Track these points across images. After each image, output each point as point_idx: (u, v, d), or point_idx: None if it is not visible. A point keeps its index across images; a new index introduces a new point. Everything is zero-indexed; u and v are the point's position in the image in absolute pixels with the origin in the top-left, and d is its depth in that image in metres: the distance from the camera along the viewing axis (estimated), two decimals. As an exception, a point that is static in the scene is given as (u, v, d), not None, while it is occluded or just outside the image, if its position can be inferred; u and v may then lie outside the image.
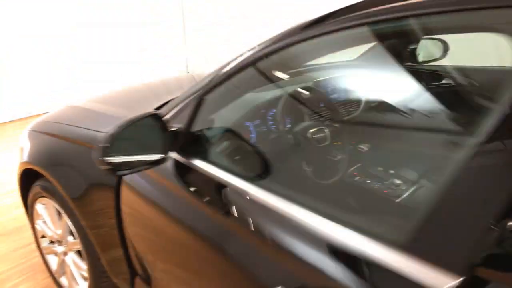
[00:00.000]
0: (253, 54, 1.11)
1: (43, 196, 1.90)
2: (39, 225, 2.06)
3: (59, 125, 1.86)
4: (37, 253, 2.43)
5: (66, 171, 1.66)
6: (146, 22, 6.99)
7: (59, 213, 1.87)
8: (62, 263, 2.01)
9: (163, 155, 1.16)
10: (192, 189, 1.15)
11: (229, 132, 1.38)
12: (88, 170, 1.57)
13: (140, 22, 6.92)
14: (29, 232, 2.67)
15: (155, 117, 1.14)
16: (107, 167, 1.08)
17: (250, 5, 6.24)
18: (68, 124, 1.81)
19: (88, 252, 1.73)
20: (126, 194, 1.40)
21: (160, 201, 1.25)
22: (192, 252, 1.14)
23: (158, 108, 1.68)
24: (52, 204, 1.86)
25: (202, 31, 7.12)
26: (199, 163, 1.17)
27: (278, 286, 0.82)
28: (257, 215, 0.93)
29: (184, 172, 1.20)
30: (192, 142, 1.24)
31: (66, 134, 1.74)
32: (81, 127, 1.73)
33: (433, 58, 1.84)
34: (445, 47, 1.77)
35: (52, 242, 2.06)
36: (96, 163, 1.08)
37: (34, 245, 2.54)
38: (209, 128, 1.32)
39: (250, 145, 1.41)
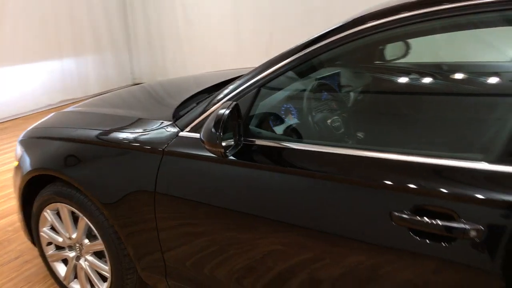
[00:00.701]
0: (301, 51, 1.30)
1: (55, 202, 1.92)
2: (45, 233, 2.05)
3: (66, 129, 1.90)
4: (30, 265, 2.40)
5: (91, 173, 1.71)
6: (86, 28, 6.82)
7: (74, 217, 1.90)
8: (73, 268, 2.03)
9: (241, 140, 1.32)
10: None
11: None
12: (117, 170, 1.65)
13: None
14: (15, 245, 2.61)
15: (236, 107, 1.28)
16: (222, 150, 1.24)
17: (197, 13, 6.36)
18: (75, 128, 1.87)
19: (112, 251, 1.79)
20: (165, 189, 1.51)
21: (219, 189, 1.39)
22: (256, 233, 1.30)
23: (179, 106, 1.81)
24: (67, 209, 1.89)
25: (149, 40, 7.10)
26: (269, 143, 1.34)
27: None
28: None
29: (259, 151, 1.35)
30: (257, 126, 1.42)
31: (81, 136, 1.79)
32: (95, 128, 1.79)
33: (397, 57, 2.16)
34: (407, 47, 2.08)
35: (59, 248, 2.07)
36: (211, 147, 1.24)
37: (25, 257, 2.49)
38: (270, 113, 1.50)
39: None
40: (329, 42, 1.25)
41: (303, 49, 1.31)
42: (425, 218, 1.04)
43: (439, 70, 1.79)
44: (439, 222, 1.02)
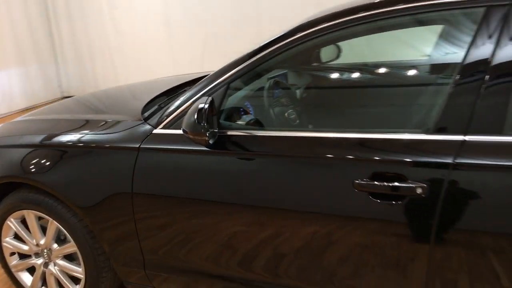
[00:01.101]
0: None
1: (20, 209, 1.92)
2: (7, 243, 2.03)
3: (29, 136, 1.92)
4: None
5: (65, 178, 1.75)
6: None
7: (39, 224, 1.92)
8: (41, 276, 2.03)
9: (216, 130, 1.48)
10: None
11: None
12: (92, 173, 1.72)
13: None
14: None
15: (212, 101, 1.43)
16: (206, 138, 1.41)
17: (127, 23, 6.34)
18: (40, 134, 1.90)
19: (86, 251, 1.84)
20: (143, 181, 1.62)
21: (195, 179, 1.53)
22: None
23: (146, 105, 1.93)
24: (34, 214, 1.90)
25: (77, 51, 6.91)
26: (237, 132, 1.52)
27: None
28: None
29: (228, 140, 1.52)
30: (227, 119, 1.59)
31: (51, 141, 1.83)
32: (63, 133, 1.85)
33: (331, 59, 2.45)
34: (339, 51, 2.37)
35: (23, 257, 2.05)
36: (196, 136, 1.40)
37: None
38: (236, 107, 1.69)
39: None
40: (277, 47, 1.47)
41: (261, 51, 1.51)
42: (381, 182, 1.28)
43: (378, 67, 2.09)
44: (392, 184, 1.26)
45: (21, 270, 2.09)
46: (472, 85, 1.24)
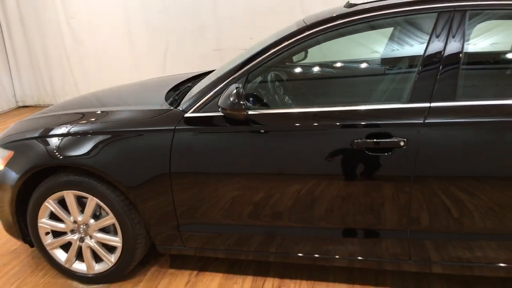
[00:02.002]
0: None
1: (58, 191, 2.19)
2: (44, 223, 2.28)
3: (68, 126, 2.22)
4: (11, 266, 2.55)
5: (111, 161, 2.06)
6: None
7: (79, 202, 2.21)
8: (76, 250, 2.30)
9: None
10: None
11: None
12: (134, 155, 2.05)
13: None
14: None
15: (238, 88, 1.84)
16: (245, 112, 1.82)
17: (86, 31, 6.47)
18: (79, 124, 2.21)
19: (124, 222, 2.15)
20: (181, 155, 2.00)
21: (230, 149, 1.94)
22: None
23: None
24: (74, 194, 2.18)
25: (33, 60, 6.89)
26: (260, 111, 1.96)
27: None
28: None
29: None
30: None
31: (93, 129, 2.15)
32: (104, 121, 2.17)
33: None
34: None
35: (57, 235, 2.32)
36: (235, 112, 1.81)
37: (1, 261, 2.60)
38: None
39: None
40: (279, 48, 1.94)
41: (267, 51, 1.95)
42: (374, 139, 1.77)
43: (370, 61, 2.57)
44: (382, 140, 1.76)
45: (56, 247, 2.35)
46: (431, 70, 1.78)
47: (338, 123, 1.84)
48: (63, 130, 2.22)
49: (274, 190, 1.95)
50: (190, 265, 2.46)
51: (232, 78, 2.00)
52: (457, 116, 1.73)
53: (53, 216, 2.29)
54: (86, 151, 2.10)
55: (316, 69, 2.63)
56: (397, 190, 1.81)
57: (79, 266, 2.35)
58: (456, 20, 1.78)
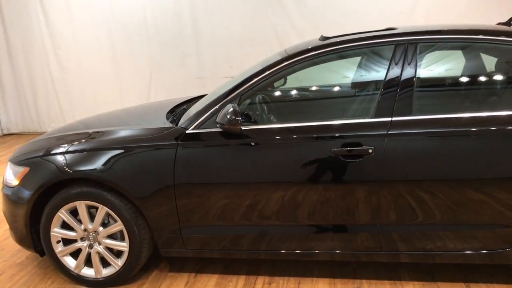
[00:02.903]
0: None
1: (71, 202, 2.45)
2: (56, 232, 2.53)
3: (81, 143, 2.51)
4: (19, 276, 2.76)
5: (122, 174, 2.36)
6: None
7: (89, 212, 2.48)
8: (85, 256, 2.55)
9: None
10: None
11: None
12: (142, 168, 2.36)
13: None
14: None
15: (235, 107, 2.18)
16: (240, 127, 2.18)
17: (71, 58, 6.74)
18: (90, 142, 2.51)
19: (131, 227, 2.43)
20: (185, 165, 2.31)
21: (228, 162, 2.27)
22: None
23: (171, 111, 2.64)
24: (86, 204, 2.45)
25: (18, 87, 7.07)
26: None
27: None
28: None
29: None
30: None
31: (103, 145, 2.44)
32: (112, 138, 2.47)
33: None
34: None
35: (67, 244, 2.56)
36: (231, 126, 2.13)
37: (10, 272, 2.81)
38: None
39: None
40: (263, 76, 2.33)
41: (261, 73, 2.32)
42: (348, 148, 2.14)
43: (341, 86, 2.95)
44: (354, 148, 2.13)
45: (66, 254, 2.58)
46: (391, 92, 2.18)
47: (318, 135, 2.21)
48: (77, 147, 2.51)
49: (265, 194, 2.28)
50: (188, 268, 2.73)
51: (227, 100, 2.35)
52: (414, 127, 2.12)
53: (64, 226, 2.54)
54: (100, 165, 2.38)
55: (297, 92, 3.01)
56: (367, 191, 2.17)
57: (87, 271, 2.59)
58: (410, 51, 2.20)
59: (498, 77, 2.40)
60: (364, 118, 2.23)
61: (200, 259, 2.79)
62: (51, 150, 2.54)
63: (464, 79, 2.49)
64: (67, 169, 2.42)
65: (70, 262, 2.60)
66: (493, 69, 2.40)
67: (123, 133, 2.57)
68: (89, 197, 2.43)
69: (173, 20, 6.34)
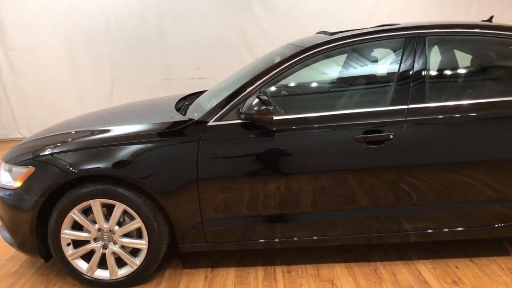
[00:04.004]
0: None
1: (85, 200, 2.34)
2: (66, 234, 2.39)
3: (93, 139, 2.43)
4: (20, 284, 2.59)
5: (143, 171, 2.29)
6: None
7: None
8: (99, 257, 2.44)
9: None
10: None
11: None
12: (164, 164, 2.31)
13: None
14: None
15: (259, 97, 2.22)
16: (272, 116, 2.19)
17: (25, 63, 6.37)
18: (107, 139, 2.43)
19: (151, 224, 2.36)
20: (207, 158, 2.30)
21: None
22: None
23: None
24: (100, 203, 2.35)
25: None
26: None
27: None
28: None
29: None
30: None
31: (121, 139, 2.37)
32: (131, 135, 2.40)
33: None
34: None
35: (77, 246, 2.43)
36: (262, 116, 2.13)
37: (9, 281, 2.62)
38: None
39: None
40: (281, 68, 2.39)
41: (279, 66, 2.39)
42: (369, 134, 2.26)
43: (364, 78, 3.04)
44: (376, 134, 2.26)
45: (77, 257, 2.45)
46: (405, 83, 2.33)
47: (344, 123, 2.31)
48: (91, 144, 2.40)
49: (291, 183, 2.33)
50: (203, 264, 2.71)
51: (248, 92, 2.37)
52: (427, 114, 2.29)
53: (74, 227, 2.41)
54: (119, 162, 2.30)
55: (321, 84, 3.07)
56: (389, 174, 2.31)
57: (101, 273, 2.47)
58: (420, 43, 2.37)
59: (496, 67, 2.64)
60: (384, 106, 2.36)
61: (213, 254, 2.77)
62: (63, 148, 2.41)
63: (468, 70, 2.70)
64: (83, 166, 2.30)
65: (81, 265, 2.47)
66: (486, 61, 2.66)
67: (139, 128, 2.51)
68: (105, 195, 2.34)
69: (136, 23, 6.21)
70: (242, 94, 2.38)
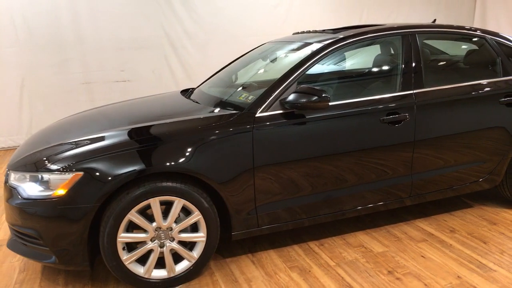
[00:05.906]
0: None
1: (143, 200, 2.28)
2: (123, 237, 2.28)
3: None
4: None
5: (206, 163, 2.36)
6: None
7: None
8: (156, 257, 2.39)
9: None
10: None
11: None
12: (223, 156, 2.41)
13: None
14: None
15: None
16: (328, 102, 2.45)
17: None
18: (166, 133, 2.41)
19: (210, 217, 2.42)
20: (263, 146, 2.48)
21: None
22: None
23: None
24: (159, 201, 2.32)
25: None
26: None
27: None
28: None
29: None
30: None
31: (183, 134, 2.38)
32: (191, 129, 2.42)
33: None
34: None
35: (131, 250, 2.35)
36: (320, 102, 2.40)
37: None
38: None
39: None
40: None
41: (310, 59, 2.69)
42: (391, 116, 2.72)
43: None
44: (395, 115, 2.72)
45: (133, 261, 2.35)
46: (408, 72, 2.85)
47: (374, 107, 2.72)
48: (144, 141, 2.35)
49: (338, 161, 2.67)
50: (238, 251, 2.82)
51: (288, 82, 2.61)
52: (428, 97, 2.84)
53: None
54: (181, 156, 2.32)
55: (343, 74, 3.34)
56: (406, 148, 2.80)
57: (158, 273, 2.42)
58: (412, 40, 2.92)
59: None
60: (395, 92, 2.83)
61: (241, 242, 2.89)
62: (113, 149, 2.30)
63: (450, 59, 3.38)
64: (143, 165, 2.25)
65: (138, 268, 2.37)
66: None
67: (188, 124, 2.52)
68: (165, 192, 2.31)
69: (49, 23, 5.74)
70: (283, 86, 2.60)
